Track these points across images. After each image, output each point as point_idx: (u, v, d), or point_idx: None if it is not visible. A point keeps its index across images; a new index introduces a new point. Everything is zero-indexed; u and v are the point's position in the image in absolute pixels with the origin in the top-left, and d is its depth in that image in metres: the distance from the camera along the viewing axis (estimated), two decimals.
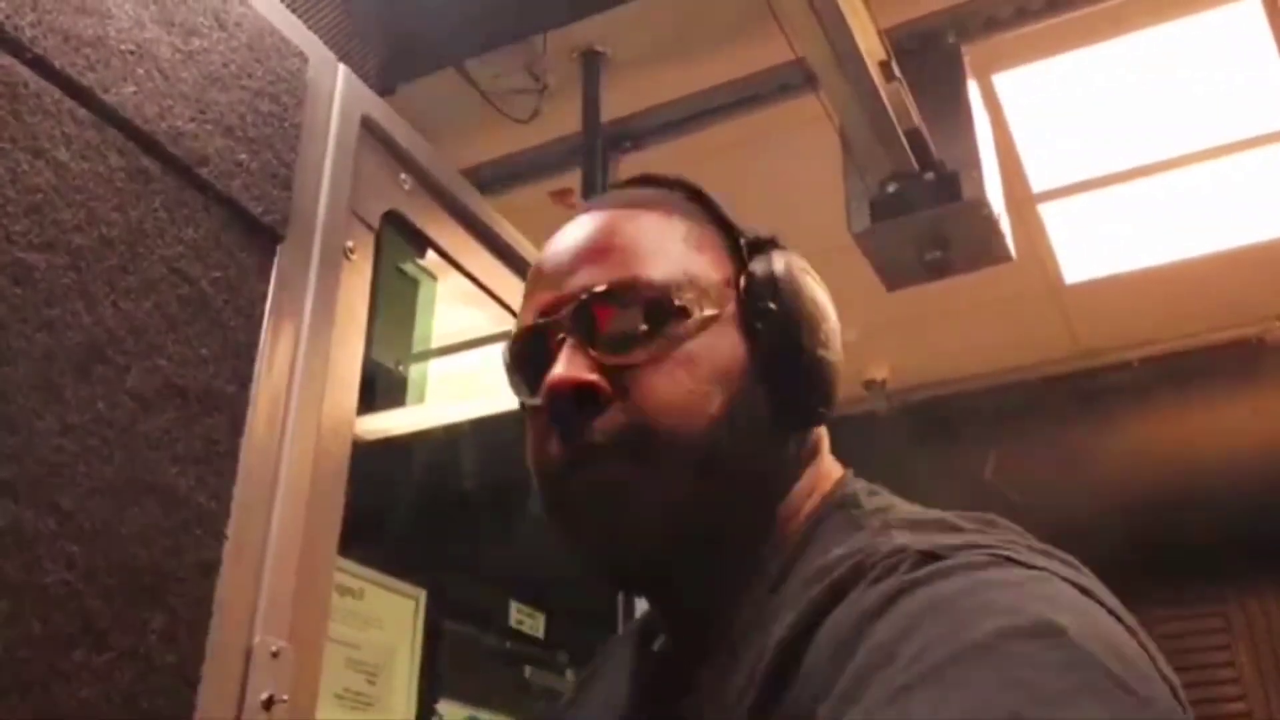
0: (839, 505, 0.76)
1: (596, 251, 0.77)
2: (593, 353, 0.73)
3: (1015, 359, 3.87)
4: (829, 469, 0.81)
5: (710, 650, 0.73)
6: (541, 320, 0.76)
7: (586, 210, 0.84)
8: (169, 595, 0.87)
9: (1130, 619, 0.60)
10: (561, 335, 0.74)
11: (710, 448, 0.72)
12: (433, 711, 1.66)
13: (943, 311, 3.55)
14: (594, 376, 0.72)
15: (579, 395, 0.72)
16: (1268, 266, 3.36)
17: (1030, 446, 3.81)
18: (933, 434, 3.90)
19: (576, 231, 0.81)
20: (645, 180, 0.89)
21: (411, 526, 1.80)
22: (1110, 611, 0.58)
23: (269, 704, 0.93)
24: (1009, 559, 0.60)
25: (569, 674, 1.98)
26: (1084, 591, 0.59)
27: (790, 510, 0.77)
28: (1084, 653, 0.51)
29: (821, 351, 0.77)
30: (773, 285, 0.77)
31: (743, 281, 0.78)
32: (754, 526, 0.76)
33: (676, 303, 0.74)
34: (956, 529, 0.67)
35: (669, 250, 0.77)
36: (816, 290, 0.80)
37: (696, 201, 0.85)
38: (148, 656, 0.84)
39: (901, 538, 0.65)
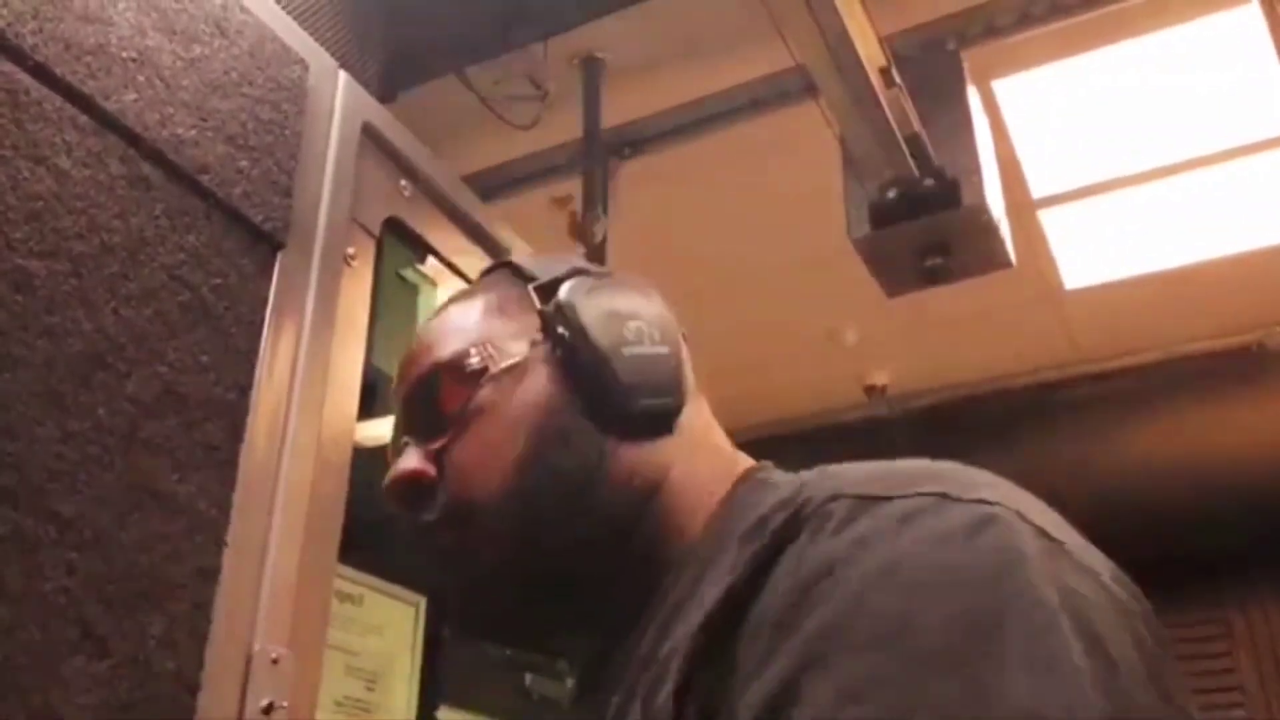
0: (745, 479, 0.76)
1: (410, 360, 0.84)
2: (421, 445, 0.78)
3: (1015, 365, 3.87)
4: (730, 465, 0.80)
5: (623, 669, 0.71)
6: (393, 434, 0.83)
7: None
8: (169, 602, 0.87)
9: (1088, 557, 0.59)
10: (404, 439, 0.80)
11: (523, 495, 0.74)
12: (432, 718, 1.66)
13: (943, 318, 3.55)
14: (417, 466, 0.77)
15: (411, 489, 0.78)
16: (1268, 272, 3.36)
17: (1030, 452, 3.80)
18: (933, 440, 3.89)
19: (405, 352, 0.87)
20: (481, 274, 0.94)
21: (412, 533, 1.80)
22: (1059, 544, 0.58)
23: (269, 710, 0.93)
24: (946, 496, 0.59)
25: (570, 681, 1.98)
26: (1038, 532, 0.58)
27: (684, 509, 0.75)
28: (1050, 623, 0.51)
29: (628, 349, 0.76)
30: (560, 311, 0.78)
31: (538, 321, 0.80)
32: (622, 545, 0.75)
33: (470, 368, 0.78)
34: (891, 472, 0.66)
35: (465, 326, 0.82)
36: (615, 295, 0.80)
37: (507, 269, 0.87)
38: (147, 663, 0.84)
39: (832, 482, 0.65)
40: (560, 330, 0.77)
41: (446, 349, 0.80)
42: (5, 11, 0.84)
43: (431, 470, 0.77)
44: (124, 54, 0.94)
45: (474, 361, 0.78)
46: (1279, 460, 3.54)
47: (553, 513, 0.74)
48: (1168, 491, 3.62)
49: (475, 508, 0.75)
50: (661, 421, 0.78)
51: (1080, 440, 3.74)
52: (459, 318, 0.83)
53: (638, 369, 0.77)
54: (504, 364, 0.78)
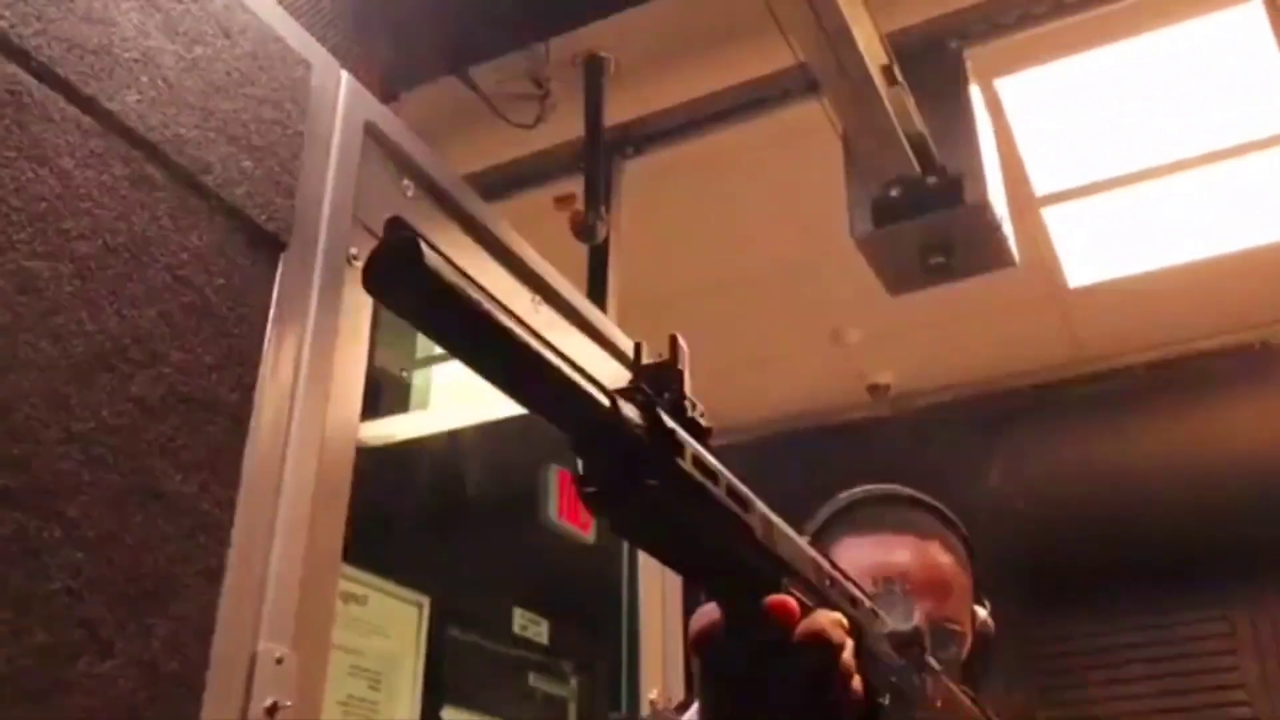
0: None
1: None
2: None
3: (1019, 363, 3.87)
4: None
5: None
6: None
7: None
8: (173, 602, 0.87)
9: None
10: None
11: None
12: (436, 718, 1.66)
13: (946, 316, 3.54)
14: None
15: None
16: (1271, 270, 3.35)
17: (1035, 452, 3.80)
18: (937, 439, 3.89)
19: None
20: None
21: (415, 533, 1.80)
22: None
23: (273, 710, 0.93)
24: None
25: (573, 681, 1.98)
26: None
27: None
28: None
29: None
30: None
31: None
32: None
33: None
34: None
35: None
36: None
37: None
38: (152, 664, 0.84)
39: None
40: None
41: None
42: (8, 13, 0.84)
43: None
44: (127, 55, 0.94)
45: None
46: None
47: None
48: (1171, 490, 3.62)
49: None
50: None
51: (1084, 439, 3.73)
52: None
53: None
54: None
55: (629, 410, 0.59)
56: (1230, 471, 3.58)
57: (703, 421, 0.64)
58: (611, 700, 1.78)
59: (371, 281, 0.49)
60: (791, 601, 0.68)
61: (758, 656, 0.69)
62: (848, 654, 0.70)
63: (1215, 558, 3.85)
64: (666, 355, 0.67)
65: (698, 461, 0.62)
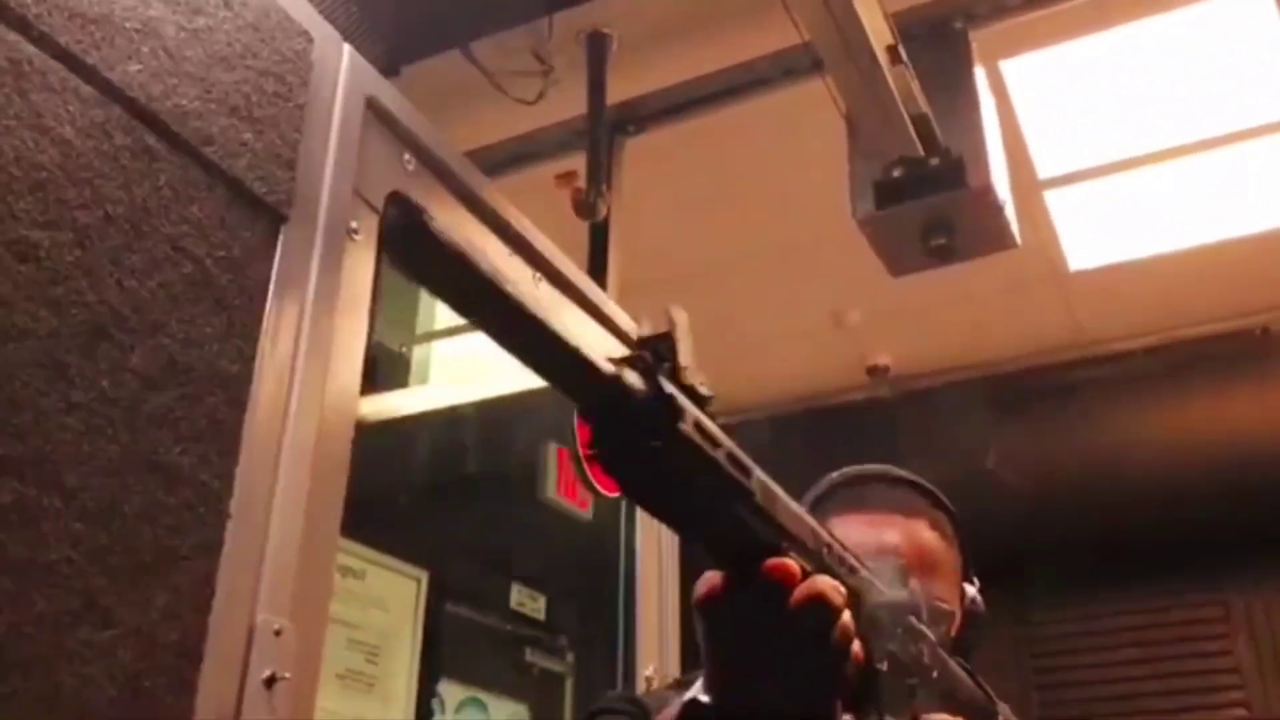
0: None
1: None
2: None
3: (1019, 346, 3.87)
4: None
5: None
6: None
7: None
8: (172, 573, 0.87)
9: None
10: None
11: None
12: (433, 692, 1.67)
13: (946, 298, 3.54)
14: None
15: None
16: (1273, 255, 3.35)
17: (1033, 435, 3.81)
18: (936, 421, 3.90)
19: None
20: None
21: (414, 508, 1.81)
22: None
23: (271, 682, 0.94)
24: None
25: (569, 656, 1.99)
26: None
27: None
28: None
29: None
30: None
31: None
32: None
33: None
34: None
35: None
36: None
37: None
38: (151, 634, 0.84)
39: None
40: None
41: None
42: None
43: None
44: (128, 24, 0.94)
45: None
46: None
47: None
48: (1170, 474, 3.63)
49: None
50: None
51: (1083, 423, 3.74)
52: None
53: None
54: None
55: (631, 376, 0.61)
56: (1228, 456, 3.59)
57: (702, 390, 0.66)
58: (608, 676, 1.78)
59: (392, 252, 0.55)
60: (791, 564, 0.69)
61: (758, 618, 0.70)
62: (846, 617, 0.71)
63: (1211, 541, 3.86)
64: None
65: (698, 426, 0.64)
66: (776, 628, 0.70)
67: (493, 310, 0.58)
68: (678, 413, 0.62)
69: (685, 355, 0.66)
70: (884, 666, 0.80)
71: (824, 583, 0.70)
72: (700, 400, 0.65)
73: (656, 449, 0.62)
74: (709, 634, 0.74)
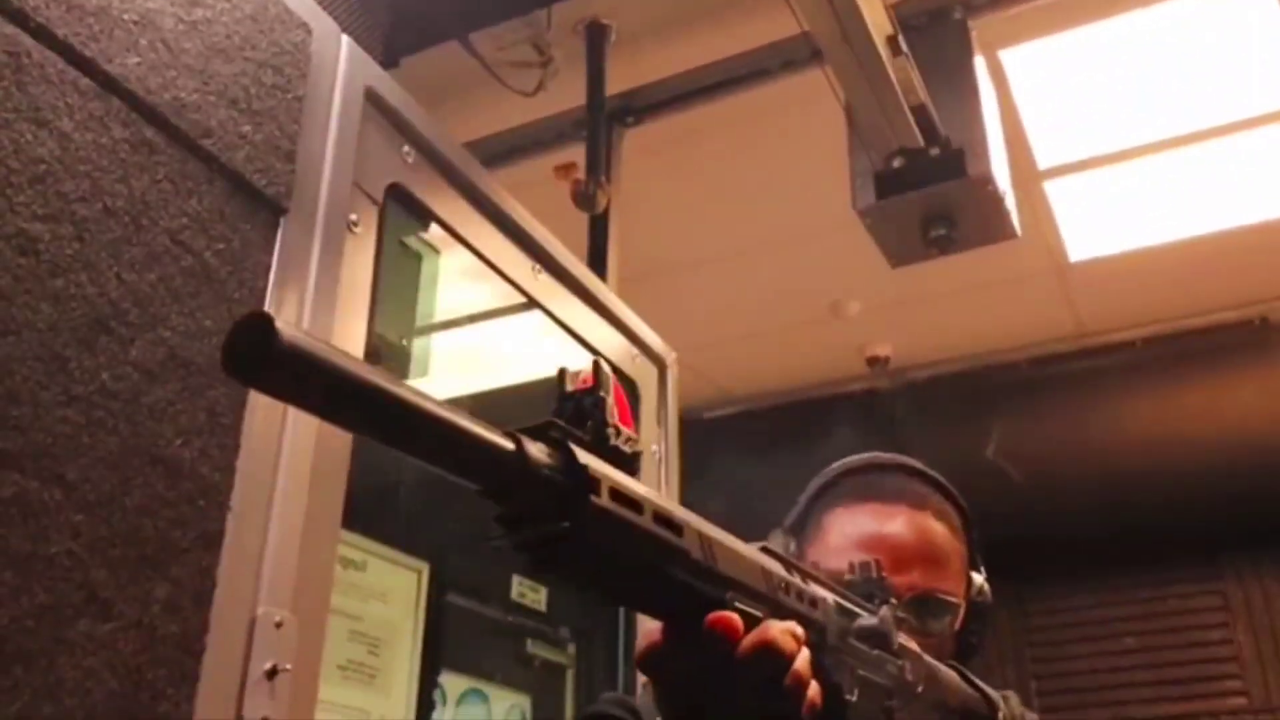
0: None
1: None
2: None
3: (1018, 337, 3.87)
4: None
5: None
6: None
7: None
8: (173, 566, 0.87)
9: None
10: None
11: None
12: (434, 683, 1.67)
13: (947, 289, 3.54)
14: None
15: None
16: (1273, 246, 3.35)
17: (1032, 425, 3.81)
18: (935, 412, 3.90)
19: None
20: None
21: (415, 500, 1.81)
22: None
23: (272, 674, 0.94)
24: None
25: (571, 648, 1.99)
26: None
27: None
28: None
29: None
30: None
31: None
32: None
33: None
34: None
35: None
36: None
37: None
38: (152, 626, 0.84)
39: None
40: None
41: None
42: None
43: None
44: (126, 16, 0.93)
45: None
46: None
47: None
48: (1169, 464, 3.63)
49: None
50: None
51: (1082, 412, 3.74)
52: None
53: None
54: None
55: (536, 451, 0.56)
56: (1227, 446, 3.60)
57: (626, 449, 0.62)
58: (609, 667, 1.79)
59: (233, 367, 0.46)
60: (733, 617, 0.66)
61: (704, 674, 0.67)
62: (801, 661, 0.69)
63: (1210, 531, 3.87)
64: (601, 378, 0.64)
65: (617, 494, 0.59)
66: (726, 681, 0.67)
67: (355, 405, 0.50)
68: (589, 486, 0.57)
69: (610, 412, 0.61)
70: (854, 696, 0.78)
71: (773, 630, 0.67)
72: (623, 460, 0.60)
73: (570, 530, 0.57)
74: (658, 686, 0.72)
